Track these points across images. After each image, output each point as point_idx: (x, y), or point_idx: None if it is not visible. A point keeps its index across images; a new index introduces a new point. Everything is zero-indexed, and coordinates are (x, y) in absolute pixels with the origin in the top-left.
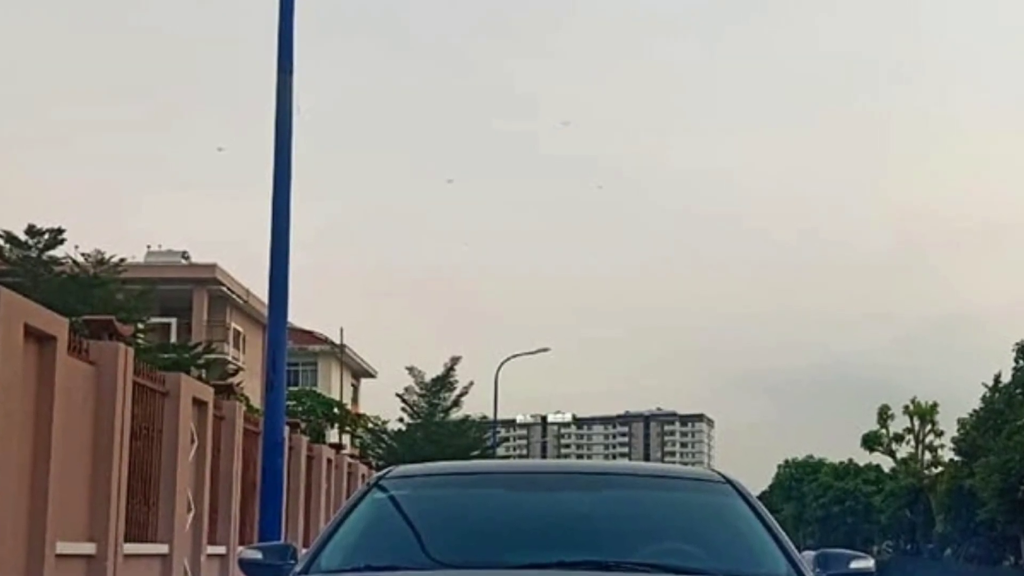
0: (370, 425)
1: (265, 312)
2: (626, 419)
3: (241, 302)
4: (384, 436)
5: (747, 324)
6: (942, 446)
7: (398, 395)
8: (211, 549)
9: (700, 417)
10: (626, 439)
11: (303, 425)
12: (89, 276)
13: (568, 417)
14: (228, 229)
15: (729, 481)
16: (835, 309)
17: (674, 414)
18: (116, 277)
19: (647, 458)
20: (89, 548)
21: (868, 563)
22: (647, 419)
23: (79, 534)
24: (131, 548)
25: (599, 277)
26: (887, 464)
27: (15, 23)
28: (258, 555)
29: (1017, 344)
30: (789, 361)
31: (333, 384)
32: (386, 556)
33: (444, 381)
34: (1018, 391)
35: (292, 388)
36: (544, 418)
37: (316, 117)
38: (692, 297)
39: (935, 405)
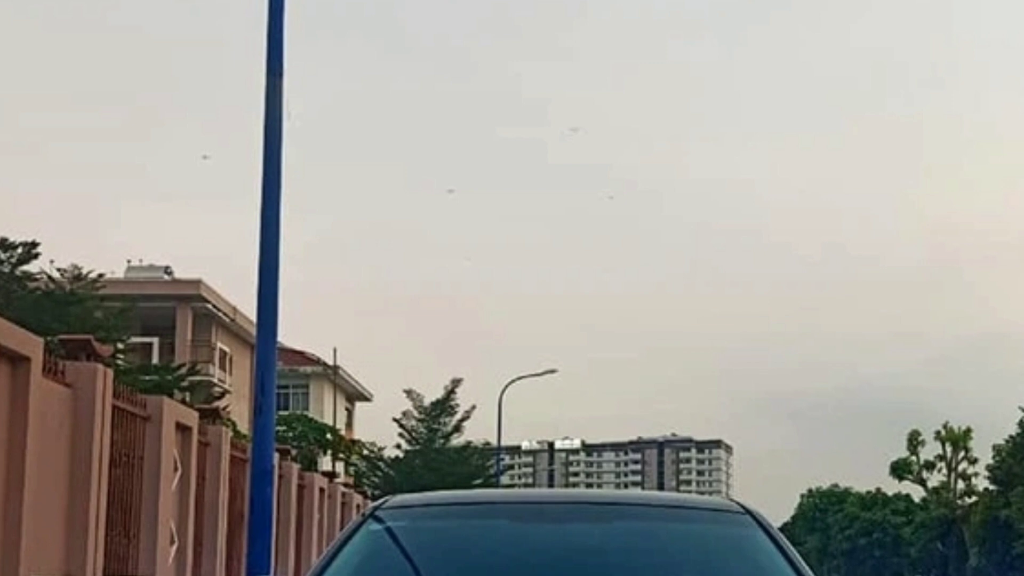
0: (365, 452)
1: (253, 331)
2: (639, 445)
3: (227, 320)
4: (380, 464)
5: (769, 345)
6: (976, 474)
7: (395, 420)
8: None
9: (718, 443)
10: (639, 467)
11: (294, 452)
12: (65, 293)
13: (577, 443)
14: (213, 243)
15: (749, 512)
16: (862, 329)
17: (690, 440)
18: (94, 294)
19: (661, 487)
20: None
21: None
22: (661, 445)
23: (55, 568)
24: None
25: (611, 294)
26: (917, 494)
27: None
28: None
29: None
30: (813, 384)
31: (326, 408)
32: None
33: (444, 405)
34: None
35: (282, 412)
36: (551, 444)
37: (307, 123)
38: (710, 316)
39: (969, 430)
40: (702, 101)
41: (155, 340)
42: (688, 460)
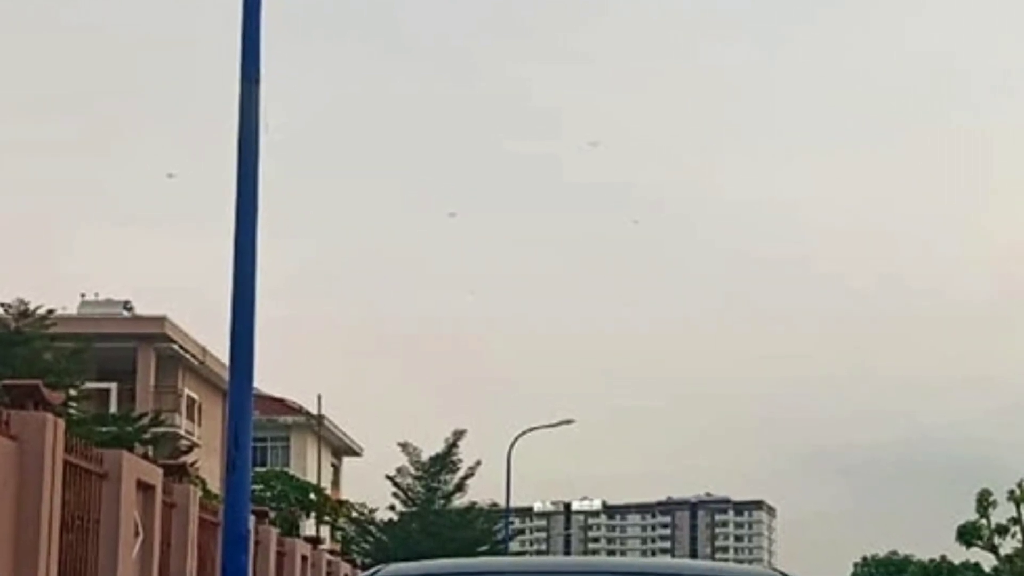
0: (354, 514)
1: (226, 376)
2: (668, 507)
3: (196, 363)
4: (371, 528)
5: (816, 391)
6: None
7: (389, 477)
8: None
9: (759, 504)
10: (668, 531)
11: (272, 514)
12: (10, 331)
13: (597, 504)
14: (180, 274)
15: None
16: (923, 372)
17: (727, 501)
18: (43, 332)
19: (694, 554)
20: None
21: None
22: (694, 507)
23: None
24: None
25: (635, 333)
26: (988, 562)
27: None
28: None
29: None
30: (867, 436)
31: (309, 464)
32: None
33: (445, 460)
34: None
35: (259, 469)
36: (568, 506)
37: (289, 135)
38: (748, 358)
39: None
40: (738, 111)
41: (113, 386)
42: (725, 523)
